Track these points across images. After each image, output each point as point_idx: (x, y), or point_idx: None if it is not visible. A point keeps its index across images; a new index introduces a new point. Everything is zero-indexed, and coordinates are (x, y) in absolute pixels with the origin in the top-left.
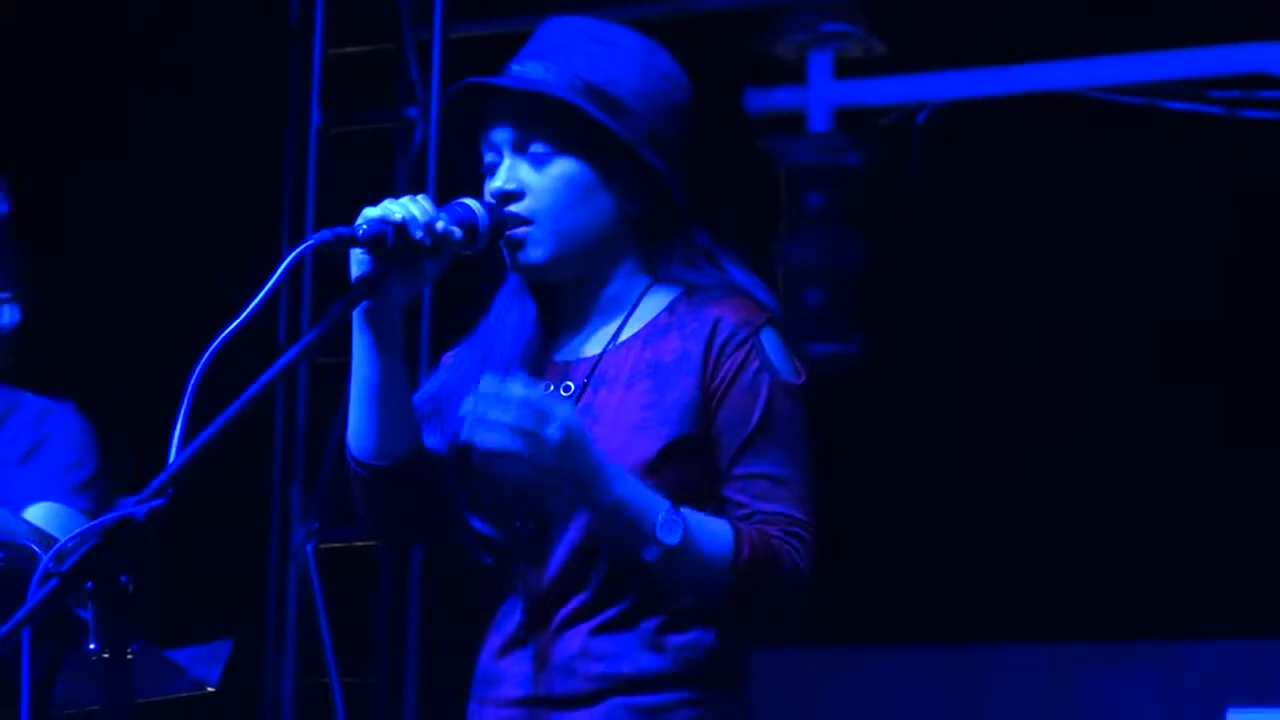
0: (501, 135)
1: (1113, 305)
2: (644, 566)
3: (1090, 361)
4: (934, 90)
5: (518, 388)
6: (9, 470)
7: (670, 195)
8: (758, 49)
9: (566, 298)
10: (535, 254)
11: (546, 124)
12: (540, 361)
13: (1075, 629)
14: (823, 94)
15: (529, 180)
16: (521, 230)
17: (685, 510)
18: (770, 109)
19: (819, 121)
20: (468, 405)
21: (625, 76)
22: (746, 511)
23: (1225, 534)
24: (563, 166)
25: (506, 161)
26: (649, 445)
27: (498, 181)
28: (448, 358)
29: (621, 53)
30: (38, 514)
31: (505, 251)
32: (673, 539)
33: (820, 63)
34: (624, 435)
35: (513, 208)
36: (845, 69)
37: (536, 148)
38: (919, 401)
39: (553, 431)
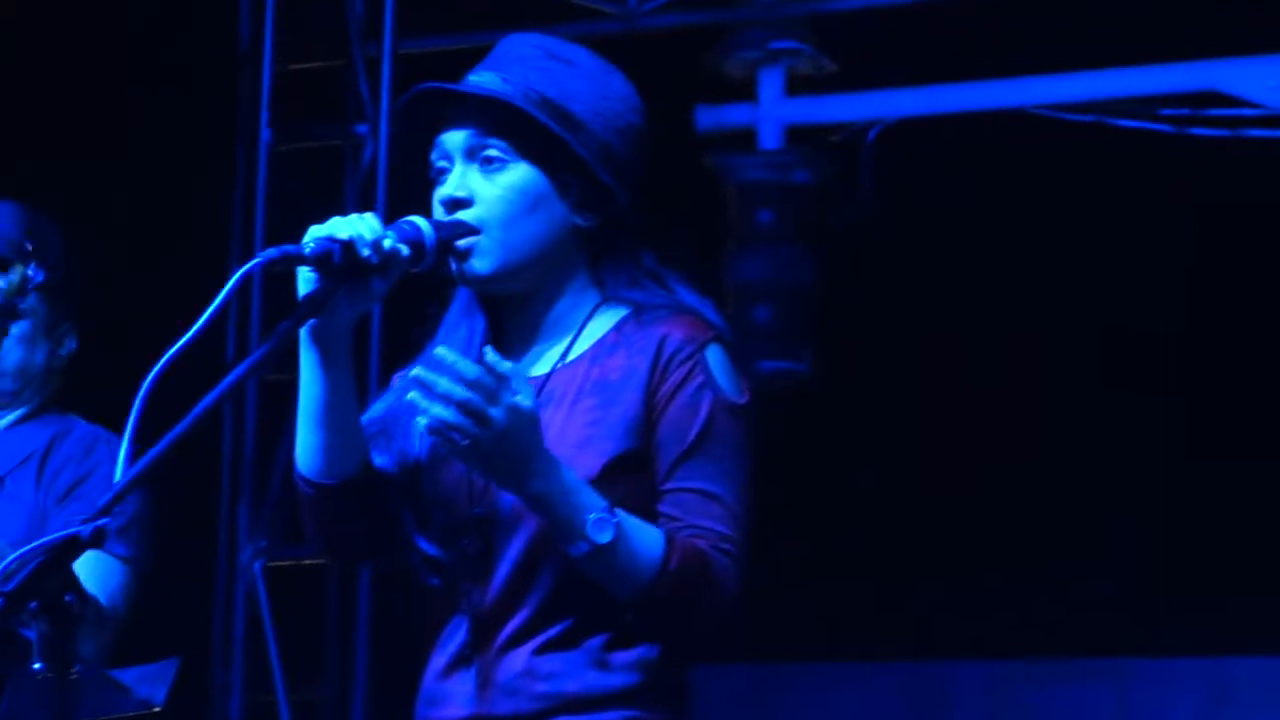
0: (454, 142)
1: (1063, 321)
2: (572, 561)
3: (1042, 377)
4: (884, 108)
5: (470, 365)
6: (49, 509)
7: (620, 213)
8: (708, 66)
9: (514, 315)
10: (482, 264)
11: (500, 132)
12: None
13: (1030, 645)
14: (773, 111)
15: (479, 188)
16: (469, 239)
17: (620, 513)
18: (720, 126)
19: (769, 139)
20: (415, 397)
21: (580, 93)
22: (678, 524)
23: (1181, 551)
24: (515, 175)
25: (458, 168)
26: (593, 462)
27: (448, 188)
28: (397, 379)
29: (578, 70)
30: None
31: (451, 262)
32: (603, 538)
33: (771, 80)
34: (569, 452)
35: (461, 215)
36: (796, 86)
37: (489, 155)
38: (870, 418)
39: (497, 413)
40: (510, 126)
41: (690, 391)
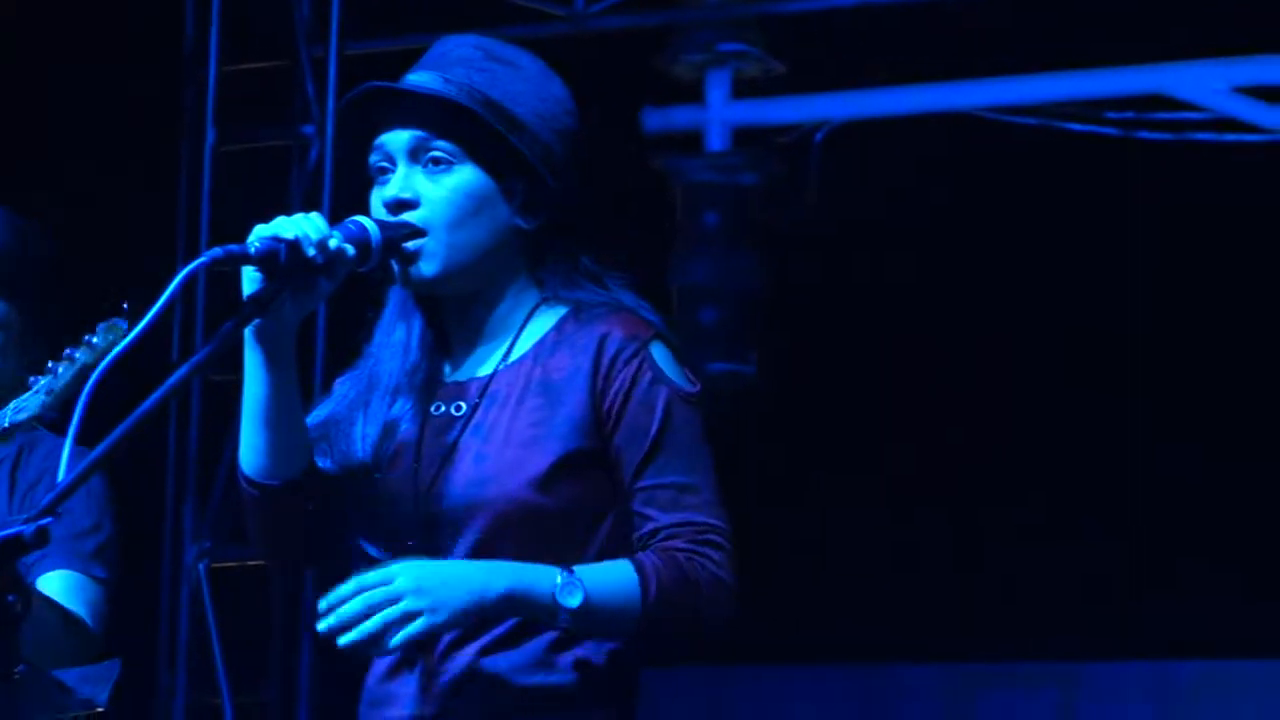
0: (397, 142)
1: (1007, 321)
2: (558, 628)
3: (987, 378)
4: (831, 110)
5: (345, 587)
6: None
7: (561, 215)
8: (656, 68)
9: (455, 316)
10: (428, 267)
11: (446, 133)
12: (430, 383)
13: (977, 649)
14: (720, 113)
15: (425, 189)
16: (414, 242)
17: (579, 568)
18: (668, 128)
19: (716, 140)
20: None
21: (521, 95)
22: (653, 526)
23: (1126, 556)
24: (461, 177)
25: (401, 169)
26: (540, 461)
27: (392, 189)
28: (339, 382)
29: (518, 72)
30: (54, 585)
31: (395, 265)
32: (574, 602)
33: (718, 82)
34: (515, 452)
35: (406, 216)
36: (743, 88)
37: (435, 156)
38: (816, 419)
39: (401, 582)
40: (456, 127)
41: (643, 389)
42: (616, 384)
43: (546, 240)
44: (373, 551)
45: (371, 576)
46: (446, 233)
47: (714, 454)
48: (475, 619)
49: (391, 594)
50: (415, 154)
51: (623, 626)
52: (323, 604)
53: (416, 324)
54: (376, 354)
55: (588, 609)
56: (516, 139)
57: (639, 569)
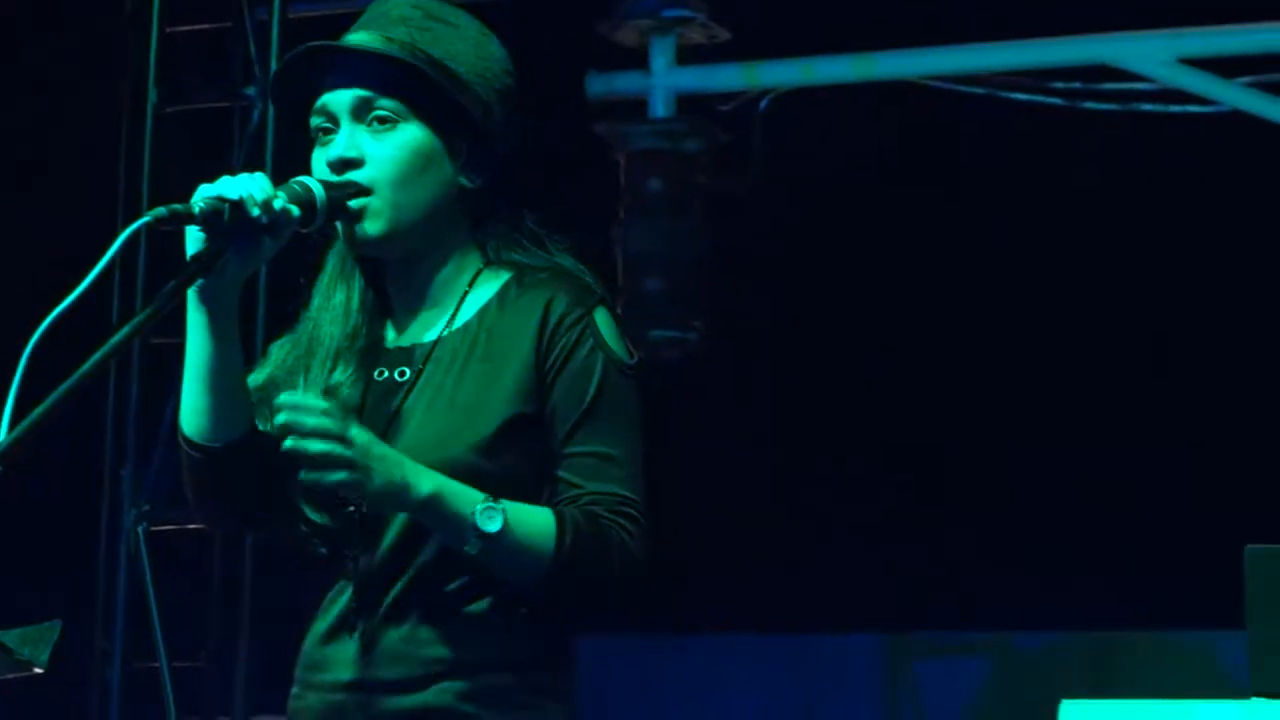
0: (339, 102)
1: (951, 292)
2: (467, 558)
3: (929, 345)
4: (776, 77)
5: (314, 398)
6: None
7: (503, 175)
8: (599, 33)
9: (397, 279)
10: (374, 226)
11: (390, 91)
12: (372, 347)
13: (909, 619)
14: (664, 80)
15: (370, 148)
16: (359, 201)
17: (505, 501)
18: (611, 94)
19: (660, 107)
20: (281, 402)
21: (462, 54)
22: (577, 491)
23: (1060, 524)
24: (406, 135)
25: (345, 129)
26: (484, 425)
27: (336, 149)
28: (275, 346)
29: (458, 31)
30: None
31: (340, 225)
32: (491, 526)
33: (662, 48)
34: (459, 416)
35: (351, 175)
36: (687, 55)
37: (380, 114)
38: (756, 387)
39: (357, 432)
40: (400, 85)
41: (582, 355)
42: (558, 348)
43: (489, 201)
44: (313, 515)
45: (334, 421)
46: (392, 191)
47: (648, 429)
48: (392, 504)
49: (341, 437)
50: (359, 113)
51: (530, 566)
52: (286, 399)
53: (357, 287)
54: (316, 317)
55: (502, 537)
56: (460, 97)
57: (558, 516)
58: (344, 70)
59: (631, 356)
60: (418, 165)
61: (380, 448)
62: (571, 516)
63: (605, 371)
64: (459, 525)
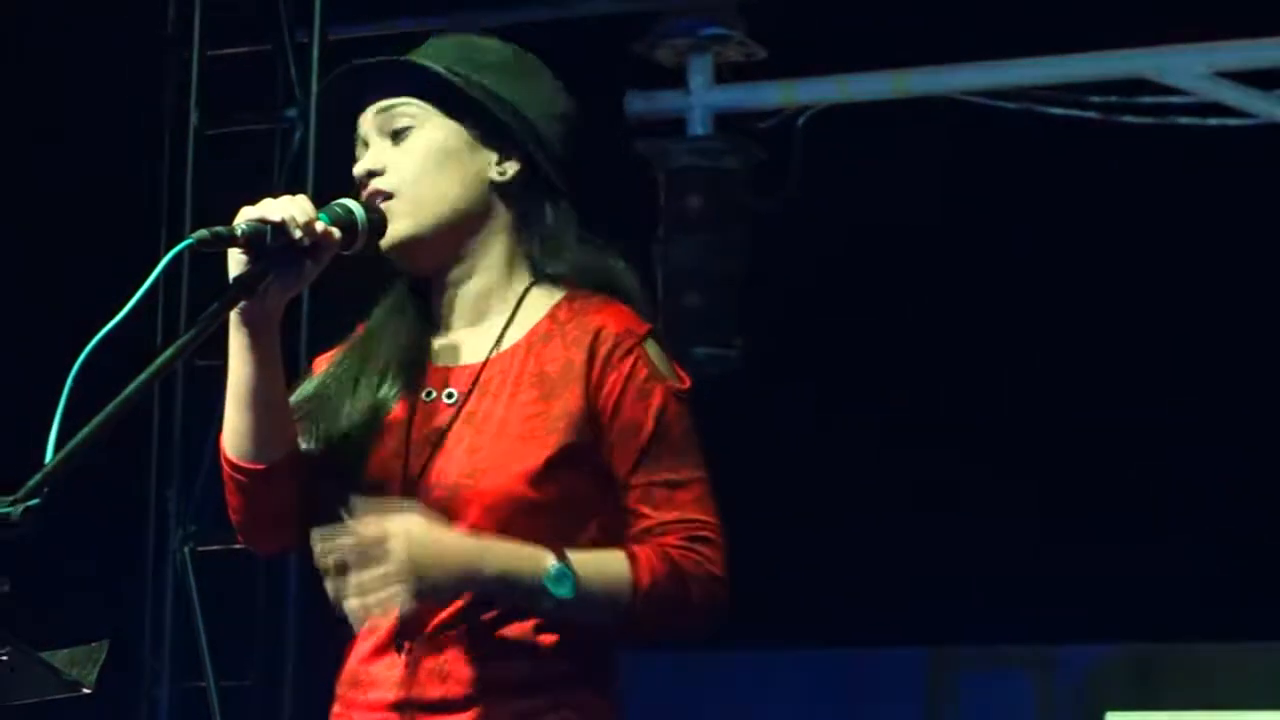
0: (368, 122)
1: (990, 306)
2: (548, 616)
3: (967, 363)
4: (813, 94)
5: (346, 535)
6: None
7: (538, 169)
8: (638, 53)
9: (444, 296)
10: (400, 226)
11: (404, 101)
12: (419, 367)
13: (953, 631)
14: (702, 98)
15: (390, 157)
16: (385, 206)
17: (574, 555)
18: (650, 112)
19: (699, 125)
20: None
21: (489, 63)
22: (647, 524)
23: (1104, 536)
24: (421, 137)
25: (374, 145)
26: (535, 455)
27: (362, 164)
28: (319, 362)
29: (491, 51)
30: None
31: (374, 235)
32: (564, 592)
33: (700, 67)
34: (509, 445)
35: (375, 184)
36: (726, 73)
37: (397, 126)
38: (798, 404)
39: (394, 546)
40: (412, 92)
41: (639, 385)
42: (611, 380)
43: (526, 198)
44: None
45: (370, 530)
46: (411, 189)
47: (702, 446)
48: (458, 592)
49: (383, 558)
50: (383, 129)
51: (609, 616)
52: (319, 543)
53: (410, 308)
54: (372, 333)
55: (577, 599)
56: (470, 89)
57: (632, 560)
58: (373, 91)
59: (684, 382)
60: (434, 161)
61: (427, 547)
62: (646, 557)
63: (663, 399)
64: (532, 595)
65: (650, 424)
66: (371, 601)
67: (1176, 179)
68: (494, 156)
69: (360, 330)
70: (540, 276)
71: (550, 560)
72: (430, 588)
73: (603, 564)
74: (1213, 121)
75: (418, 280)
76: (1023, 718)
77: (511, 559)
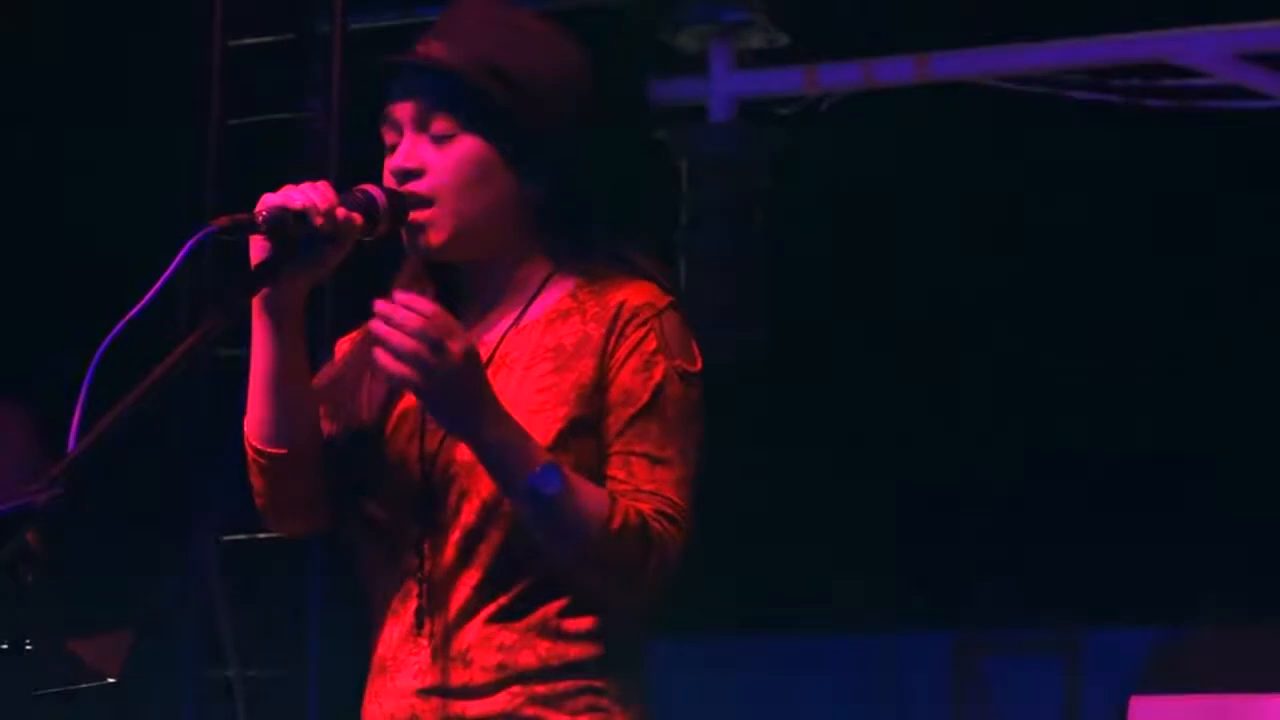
0: (403, 113)
1: (1014, 290)
2: (518, 509)
3: (994, 346)
4: (835, 79)
5: (426, 302)
6: None
7: (571, 181)
8: (659, 39)
9: (465, 283)
10: (435, 236)
11: (450, 103)
12: None
13: (979, 616)
14: (724, 84)
15: (430, 159)
16: (421, 210)
17: (567, 470)
18: (672, 99)
19: (720, 112)
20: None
21: (528, 60)
22: (623, 486)
23: (1127, 520)
24: (465, 146)
25: (408, 139)
26: (546, 428)
27: (399, 159)
28: (342, 344)
29: (526, 37)
30: None
31: (403, 233)
32: (549, 488)
33: (721, 53)
34: (522, 419)
35: (412, 186)
36: (747, 59)
37: (439, 126)
38: (823, 391)
39: (453, 345)
40: (459, 97)
41: (644, 355)
42: (621, 349)
43: (558, 206)
44: (380, 511)
45: (439, 321)
46: (452, 201)
47: (706, 433)
48: (451, 431)
49: (435, 345)
50: (420, 124)
51: (571, 539)
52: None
53: (428, 291)
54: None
55: (552, 501)
56: (520, 107)
57: (612, 499)
58: (410, 80)
59: (694, 363)
60: (476, 175)
61: (463, 380)
62: (624, 507)
63: (666, 374)
64: (514, 476)
65: (646, 395)
66: (389, 362)
67: (1199, 161)
68: (528, 173)
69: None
70: (564, 266)
71: (547, 456)
72: (435, 403)
73: (587, 489)
74: (1236, 104)
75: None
76: (1049, 702)
77: (515, 436)
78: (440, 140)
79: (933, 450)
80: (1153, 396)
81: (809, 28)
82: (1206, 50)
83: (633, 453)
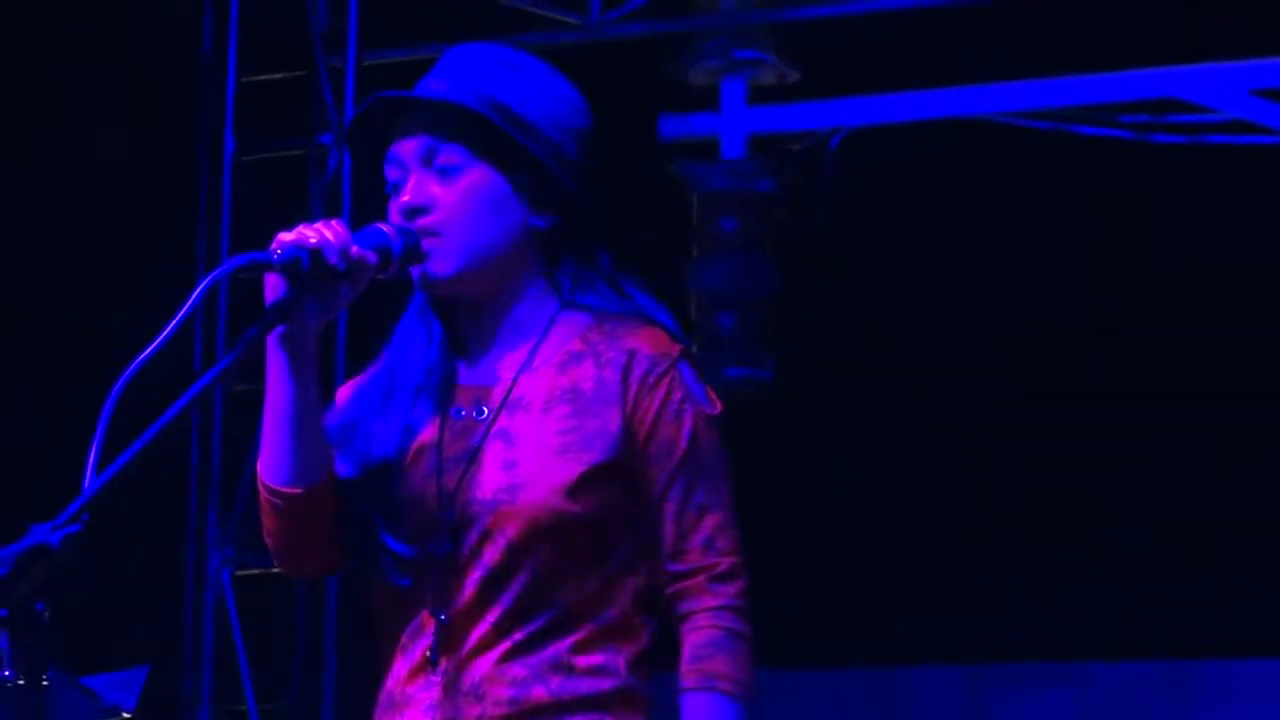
0: (408, 150)
1: (1023, 325)
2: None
3: (1000, 384)
4: (846, 116)
5: None
6: None
7: (575, 215)
8: (671, 76)
9: (472, 321)
10: (443, 267)
11: (455, 137)
12: (448, 386)
13: (991, 649)
14: (735, 120)
15: (437, 194)
16: (429, 243)
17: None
18: (684, 135)
19: (732, 147)
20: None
21: (530, 97)
22: (690, 583)
23: (1140, 551)
24: (472, 178)
25: (414, 177)
26: (570, 469)
27: (406, 196)
28: (344, 391)
29: (525, 75)
30: None
31: (413, 269)
32: None
33: (733, 89)
34: (547, 459)
35: (422, 222)
36: (758, 95)
37: (445, 161)
38: (831, 425)
39: None
40: (464, 131)
41: (673, 408)
42: (647, 401)
43: (563, 240)
44: (397, 549)
45: None
46: (460, 233)
47: (731, 469)
48: None
49: None
50: (426, 160)
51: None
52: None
53: (435, 328)
54: (395, 357)
55: None
56: (524, 138)
57: (715, 698)
58: (412, 118)
59: (715, 406)
60: (484, 208)
61: None
62: (725, 679)
63: (695, 422)
64: None
65: (684, 445)
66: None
67: (1209, 198)
68: (534, 204)
69: (383, 354)
70: (569, 304)
71: None
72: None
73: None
74: (1245, 139)
75: (439, 301)
76: None
77: None
78: (447, 174)
79: (941, 482)
80: (1174, 425)
81: (820, 64)
82: (1217, 86)
83: (682, 507)
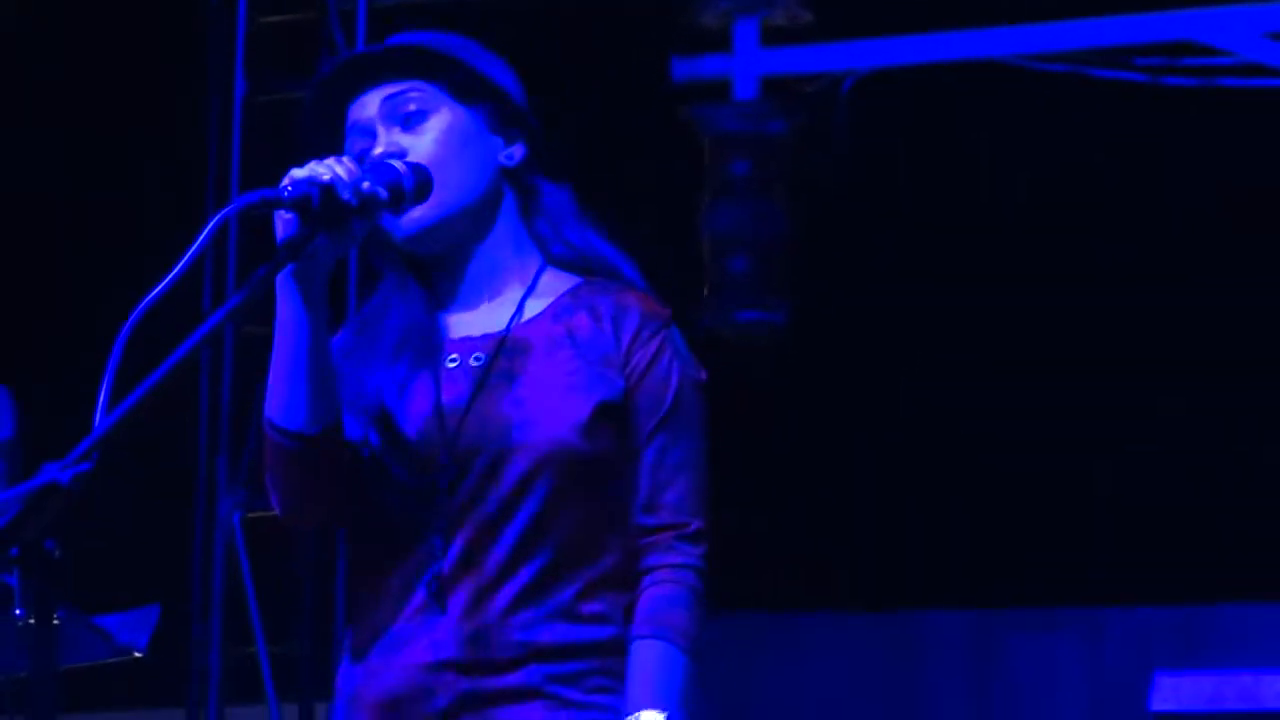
0: (369, 110)
1: (1037, 269)
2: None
3: (1015, 324)
4: (859, 58)
5: None
6: None
7: (539, 151)
8: (684, 17)
9: (452, 277)
10: (422, 213)
11: (415, 89)
12: (436, 339)
13: (1002, 594)
14: (748, 62)
15: (407, 142)
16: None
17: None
18: (696, 77)
19: (744, 89)
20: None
21: (476, 53)
22: (657, 538)
23: (1148, 500)
24: (438, 120)
25: (381, 135)
26: (583, 406)
27: (379, 149)
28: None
29: (465, 40)
30: None
31: (389, 219)
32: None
33: (746, 30)
34: (557, 397)
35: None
36: (771, 37)
37: (408, 111)
38: (844, 368)
39: None
40: (424, 73)
41: (664, 364)
42: (640, 355)
43: (533, 184)
44: (406, 480)
45: None
46: (439, 173)
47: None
48: None
49: None
50: (389, 117)
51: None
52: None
53: (413, 287)
54: (379, 312)
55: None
56: (485, 66)
57: (667, 647)
58: (368, 73)
59: (701, 372)
60: (457, 144)
61: None
62: (673, 628)
63: (682, 382)
64: None
65: (669, 401)
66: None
67: (1223, 140)
68: (501, 141)
69: (360, 313)
70: (550, 258)
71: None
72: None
73: (667, 679)
74: (1259, 82)
75: (415, 260)
76: (1070, 679)
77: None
78: (412, 121)
79: (953, 425)
80: (1175, 381)
81: (833, 6)
82: (1232, 28)
83: (659, 463)
